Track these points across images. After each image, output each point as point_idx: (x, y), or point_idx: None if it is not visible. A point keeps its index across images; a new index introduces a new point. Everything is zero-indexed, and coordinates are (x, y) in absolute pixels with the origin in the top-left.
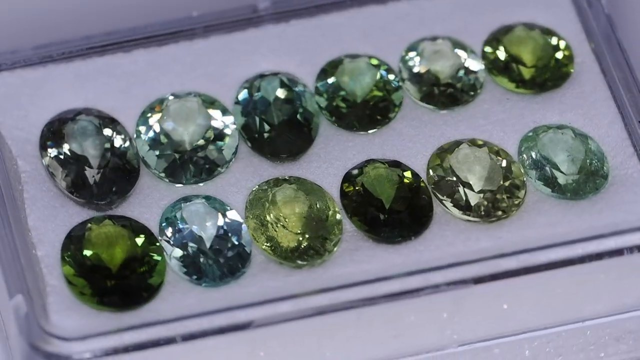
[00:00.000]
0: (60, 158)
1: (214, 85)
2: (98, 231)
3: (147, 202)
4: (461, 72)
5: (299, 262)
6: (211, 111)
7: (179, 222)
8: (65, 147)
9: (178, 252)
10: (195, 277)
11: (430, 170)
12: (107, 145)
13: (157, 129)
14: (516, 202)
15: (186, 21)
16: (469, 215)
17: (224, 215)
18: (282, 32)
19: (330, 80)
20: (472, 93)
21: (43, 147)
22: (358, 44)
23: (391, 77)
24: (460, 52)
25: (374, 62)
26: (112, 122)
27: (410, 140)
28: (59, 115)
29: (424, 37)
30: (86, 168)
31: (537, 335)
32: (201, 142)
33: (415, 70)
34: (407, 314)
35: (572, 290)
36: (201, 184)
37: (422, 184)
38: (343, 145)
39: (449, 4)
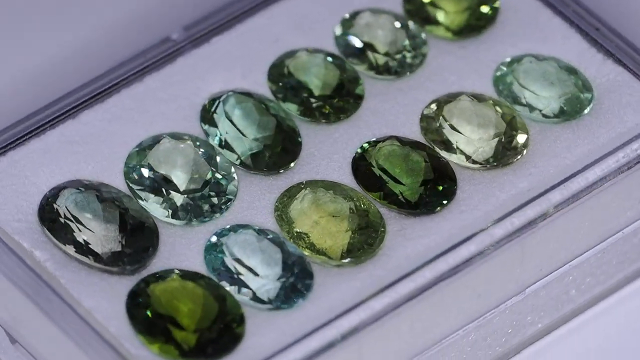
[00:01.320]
0: (72, 238)
1: (171, 122)
2: (153, 293)
3: (178, 251)
4: (401, 36)
5: (355, 258)
6: (189, 146)
7: (223, 259)
8: (70, 226)
9: (237, 288)
10: (270, 304)
11: (426, 136)
12: (108, 210)
13: (150, 182)
14: (524, 138)
15: (113, 72)
16: (486, 165)
17: (263, 238)
18: (209, 53)
19: (285, 82)
20: (419, 53)
21: (51, 233)
22: (287, 40)
23: (335, 59)
24: (389, 18)
25: (314, 51)
26: (99, 186)
27: (391, 113)
28: (46, 197)
29: (347, 16)
30: (101, 240)
31: (583, 259)
32: (197, 177)
33: (355, 47)
34: (483, 272)
35: (609, 205)
36: (218, 218)
37: (428, 149)
38: (331, 138)
39: None
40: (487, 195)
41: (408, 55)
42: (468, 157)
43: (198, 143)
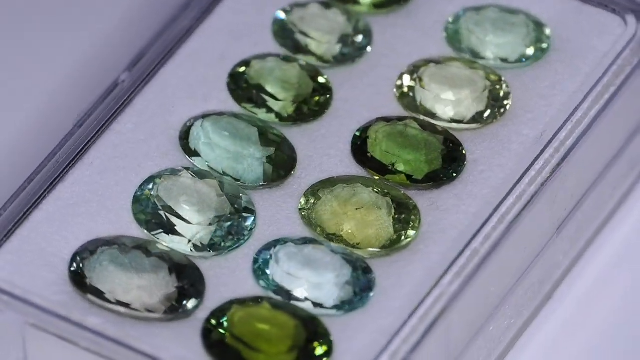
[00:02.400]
0: (114, 297)
1: (158, 160)
2: (226, 328)
3: (225, 281)
4: (339, 20)
5: (401, 241)
6: (187, 178)
7: (274, 278)
8: (106, 287)
9: (302, 303)
10: (341, 308)
11: (409, 111)
12: (136, 261)
13: (164, 224)
14: (504, 87)
15: (80, 126)
16: (481, 122)
17: (303, 246)
18: (162, 85)
19: (251, 95)
20: (364, 32)
21: (94, 296)
22: (232, 53)
23: (287, 59)
24: (319, 7)
25: (263, 56)
26: (117, 240)
27: (364, 97)
28: (71, 265)
29: (279, 14)
30: (143, 291)
31: (592, 190)
32: (206, 206)
33: (299, 43)
34: (524, 226)
35: (608, 130)
36: (248, 239)
37: (419, 121)
38: (319, 136)
39: None
40: (498, 149)
41: (354, 37)
42: (458, 121)
43: (195, 172)
